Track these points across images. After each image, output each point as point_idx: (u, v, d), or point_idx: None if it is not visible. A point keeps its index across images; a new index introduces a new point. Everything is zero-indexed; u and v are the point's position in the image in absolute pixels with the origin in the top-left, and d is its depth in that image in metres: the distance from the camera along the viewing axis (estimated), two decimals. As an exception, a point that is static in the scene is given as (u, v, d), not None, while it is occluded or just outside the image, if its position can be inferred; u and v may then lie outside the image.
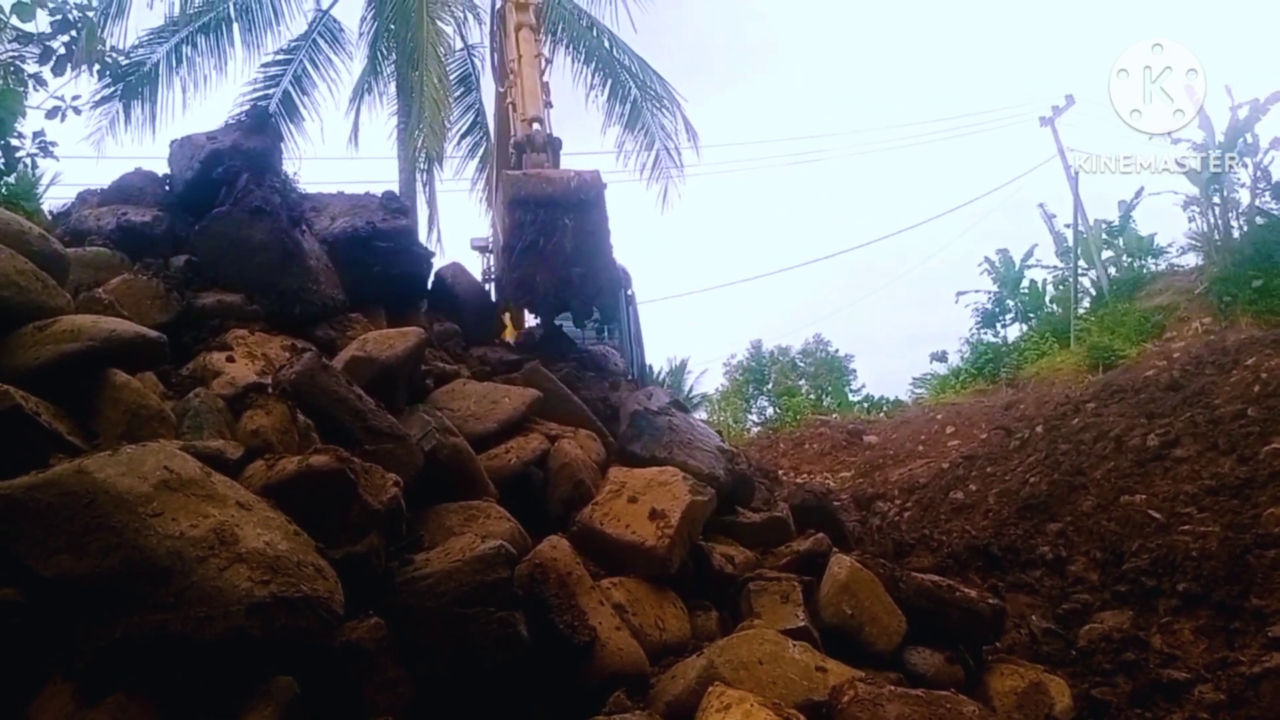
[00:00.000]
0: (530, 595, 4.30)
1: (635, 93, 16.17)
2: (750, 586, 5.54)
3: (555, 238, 6.96)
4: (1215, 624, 7.02)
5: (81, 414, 4.02)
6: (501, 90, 9.49)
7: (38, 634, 3.00)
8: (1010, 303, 24.27)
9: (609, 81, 16.23)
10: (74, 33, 7.98)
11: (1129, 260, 22.69)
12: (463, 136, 17.86)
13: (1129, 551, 7.86)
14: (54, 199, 10.29)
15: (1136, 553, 7.94)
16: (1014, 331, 23.83)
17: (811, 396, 25.22)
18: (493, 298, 9.22)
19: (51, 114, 8.23)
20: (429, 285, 8.29)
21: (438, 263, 8.81)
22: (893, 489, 13.16)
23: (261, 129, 7.90)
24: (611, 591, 4.78)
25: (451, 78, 16.32)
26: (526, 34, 8.77)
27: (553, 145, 7.80)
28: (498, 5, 9.96)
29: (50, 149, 8.33)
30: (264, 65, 16.30)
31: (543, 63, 8.81)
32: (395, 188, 13.70)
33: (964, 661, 5.67)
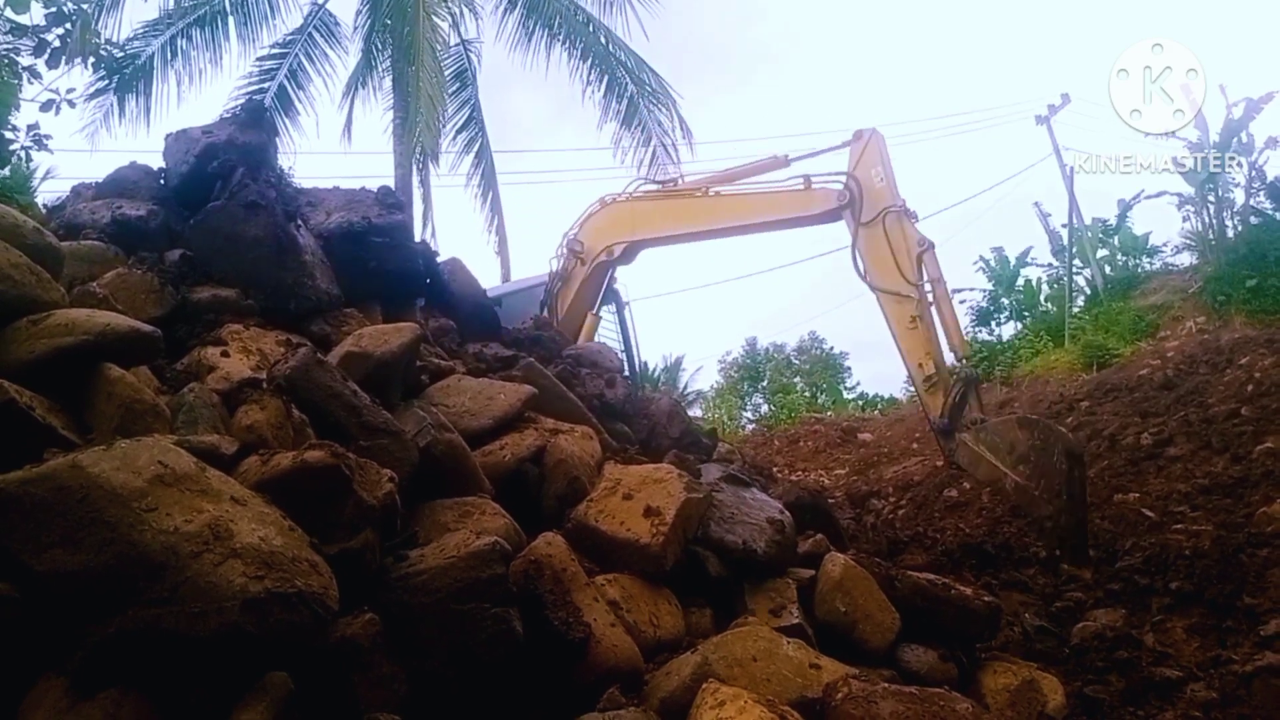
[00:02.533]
0: (525, 592, 4.29)
1: (632, 89, 16.15)
2: (745, 584, 5.56)
3: None
4: (1208, 622, 7.05)
5: (76, 408, 4.01)
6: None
7: (31, 629, 2.99)
8: (1005, 301, 24.32)
9: (606, 78, 16.21)
10: (68, 25, 7.96)
11: (1124, 259, 22.76)
12: (458, 131, 17.82)
13: (1122, 550, 7.88)
14: (48, 192, 10.31)
15: (1130, 551, 7.95)
16: (1009, 330, 23.90)
17: (806, 394, 25.27)
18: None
19: (46, 107, 8.22)
20: (425, 281, 8.28)
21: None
22: (887, 486, 13.16)
23: (257, 123, 7.88)
24: (606, 588, 4.78)
25: (447, 73, 16.30)
26: None
27: None
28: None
29: (44, 142, 8.33)
30: (259, 59, 16.27)
31: None
32: (391, 183, 13.69)
33: (957, 659, 5.68)
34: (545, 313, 10.20)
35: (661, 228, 9.34)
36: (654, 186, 9.46)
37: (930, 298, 7.40)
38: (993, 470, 6.36)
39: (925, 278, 7.34)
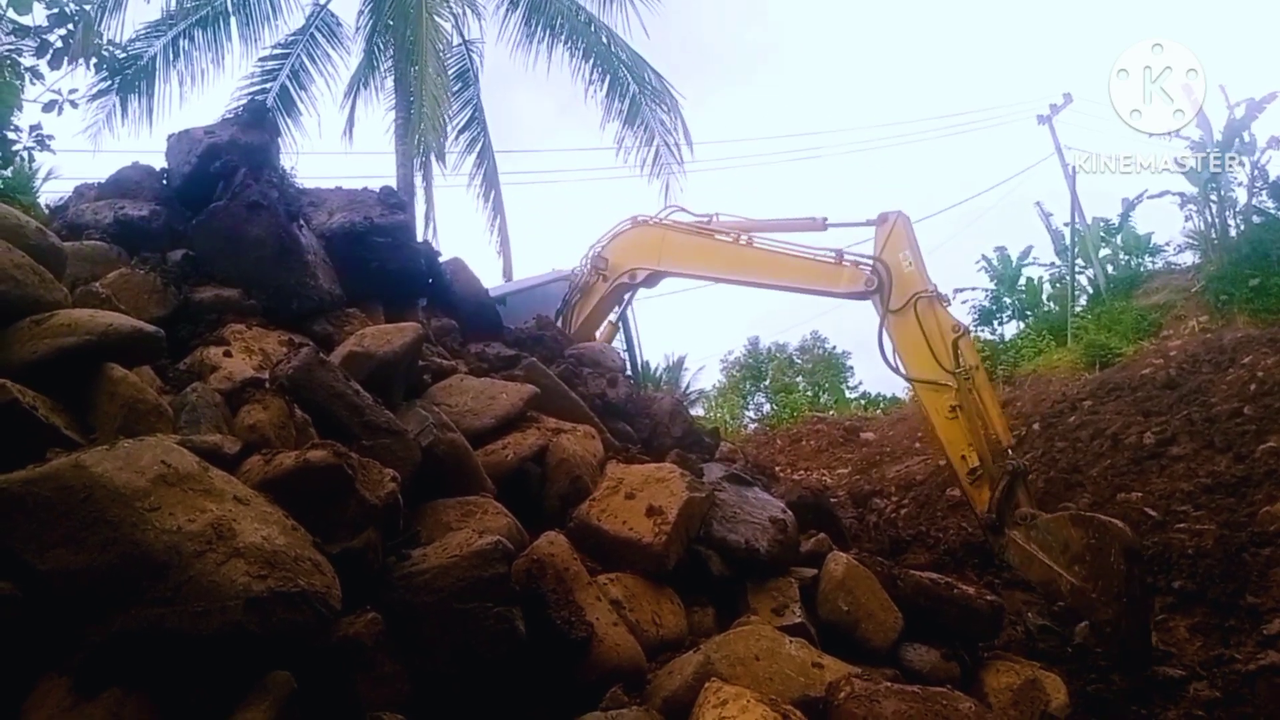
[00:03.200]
0: (528, 591, 4.30)
1: (634, 88, 16.14)
2: (747, 583, 5.56)
3: None
4: (1211, 621, 7.05)
5: (79, 408, 4.01)
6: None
7: (34, 629, 2.99)
8: (1007, 300, 24.28)
9: (607, 77, 16.20)
10: (71, 26, 7.97)
11: (1126, 258, 22.73)
12: (460, 132, 17.81)
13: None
14: (51, 192, 10.28)
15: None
16: (1011, 329, 23.86)
17: (809, 393, 25.25)
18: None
19: (48, 107, 8.22)
20: (428, 280, 8.29)
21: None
22: (889, 486, 13.17)
23: (259, 123, 7.89)
24: (609, 587, 4.78)
25: (450, 73, 16.29)
26: None
27: None
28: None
29: (47, 142, 8.33)
30: (261, 59, 16.26)
31: None
32: (393, 183, 13.69)
33: (960, 658, 5.68)
34: (559, 321, 10.19)
35: (688, 265, 9.22)
36: (687, 216, 9.26)
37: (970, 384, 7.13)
38: (1046, 571, 6.15)
39: (962, 364, 7.09)
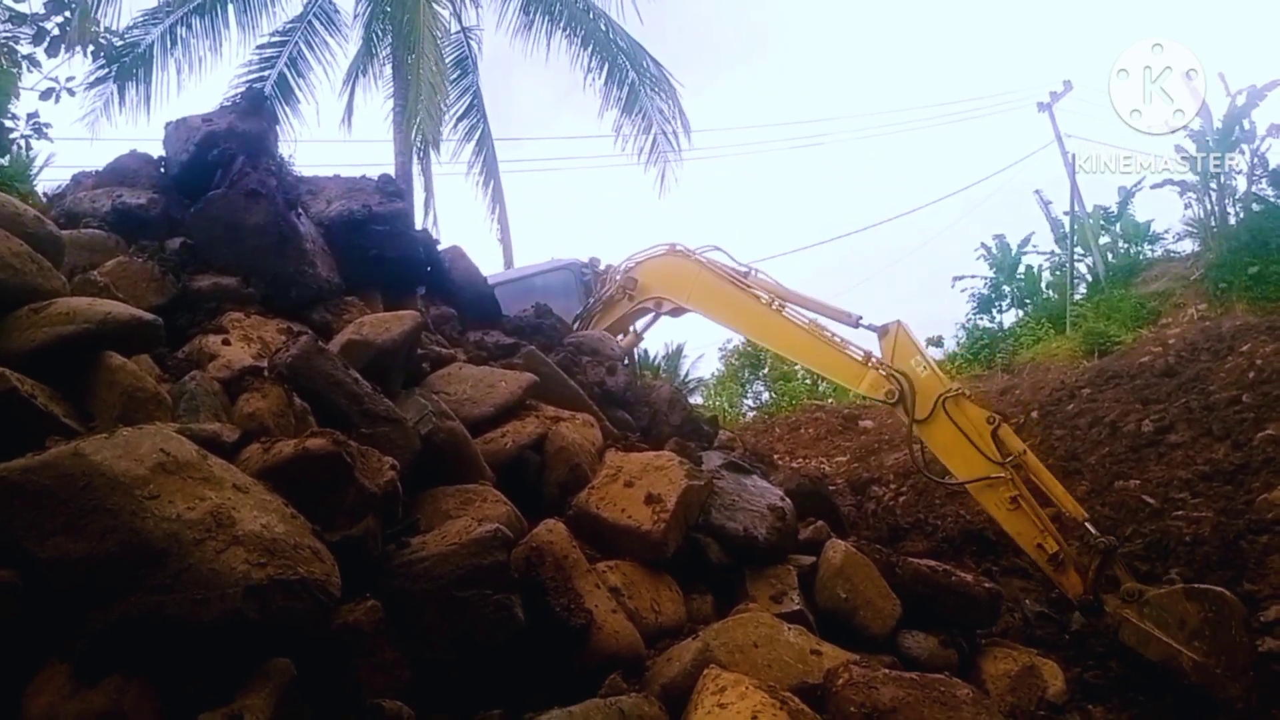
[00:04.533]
0: (527, 578, 4.31)
1: (632, 76, 16.13)
2: (746, 571, 5.57)
3: None
4: (1208, 608, 7.05)
5: (77, 397, 4.01)
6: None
7: (34, 616, 3.00)
8: (1006, 288, 24.31)
9: (606, 65, 16.20)
10: (68, 13, 7.92)
11: (1125, 246, 22.74)
12: (459, 119, 17.80)
13: (1123, 536, 7.89)
14: (48, 180, 10.28)
15: (1130, 538, 7.97)
16: (1010, 317, 23.89)
17: (807, 382, 25.19)
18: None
19: (45, 95, 8.17)
20: (426, 269, 8.28)
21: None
22: (888, 474, 13.17)
23: (257, 111, 7.85)
24: (607, 575, 4.79)
25: (448, 60, 16.26)
26: None
27: None
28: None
29: (44, 130, 8.28)
30: (259, 47, 16.28)
31: None
32: (391, 170, 13.67)
33: (958, 645, 5.71)
34: (575, 326, 10.15)
35: (715, 311, 9.02)
36: (725, 259, 9.06)
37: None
38: (1166, 649, 6.02)
39: (1008, 454, 6.94)
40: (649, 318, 10.22)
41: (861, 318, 7.95)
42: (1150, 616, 6.01)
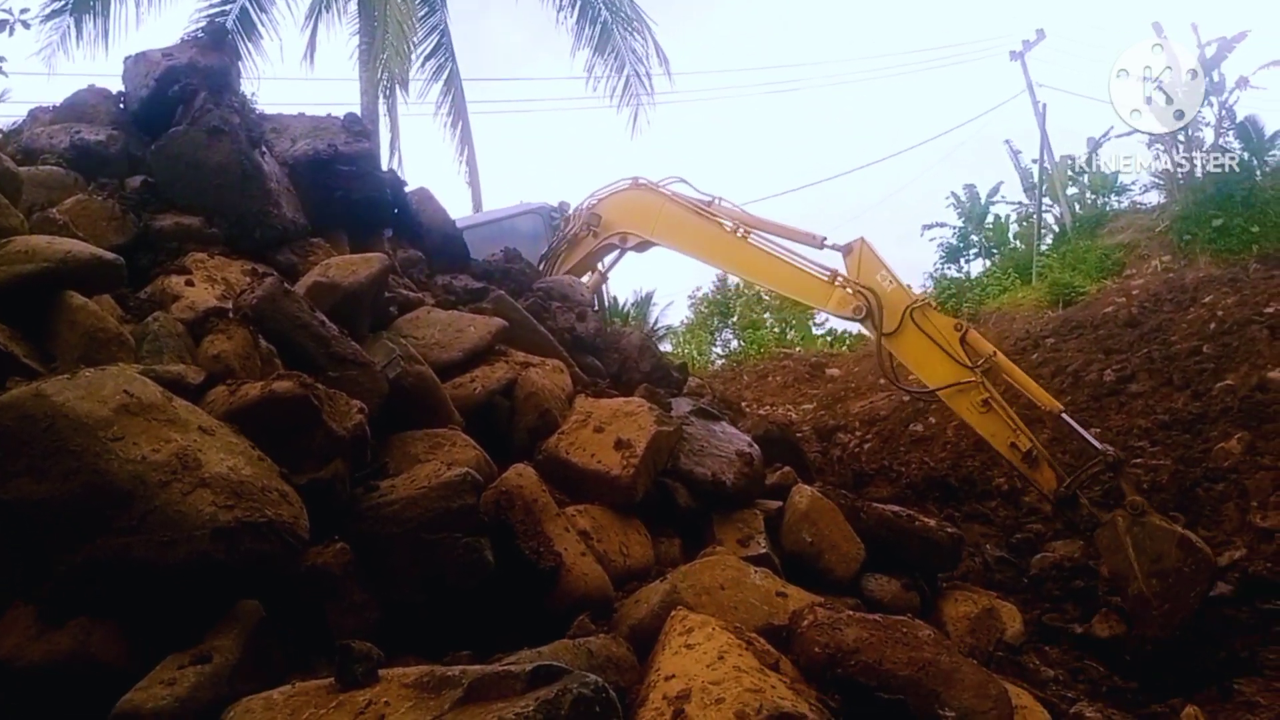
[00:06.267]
0: (496, 522, 4.32)
1: (605, 14, 15.85)
2: (714, 515, 5.62)
3: None
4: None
5: (38, 337, 3.94)
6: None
7: (-1, 557, 2.97)
8: (975, 238, 24.44)
9: (578, 2, 15.89)
10: (20, -59, 7.61)
11: (1093, 197, 22.88)
12: (426, 59, 17.42)
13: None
14: (4, 116, 9.98)
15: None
16: (977, 267, 24.05)
17: (775, 330, 25.32)
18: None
19: (-1, 28, 7.89)
20: (393, 210, 8.16)
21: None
22: (854, 421, 13.34)
23: (219, 46, 7.66)
24: (576, 519, 4.82)
25: (415, -2, 15.86)
26: None
27: None
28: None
29: (-1, 64, 8.00)
30: (221, -21, 15.74)
31: None
32: (357, 110, 13.40)
33: (920, 588, 5.82)
34: (541, 266, 10.06)
35: (681, 242, 8.98)
36: (689, 190, 8.97)
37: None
38: (1126, 567, 6.09)
39: (977, 358, 6.98)
40: (615, 255, 10.19)
41: (826, 238, 7.98)
42: (1134, 535, 6.15)
